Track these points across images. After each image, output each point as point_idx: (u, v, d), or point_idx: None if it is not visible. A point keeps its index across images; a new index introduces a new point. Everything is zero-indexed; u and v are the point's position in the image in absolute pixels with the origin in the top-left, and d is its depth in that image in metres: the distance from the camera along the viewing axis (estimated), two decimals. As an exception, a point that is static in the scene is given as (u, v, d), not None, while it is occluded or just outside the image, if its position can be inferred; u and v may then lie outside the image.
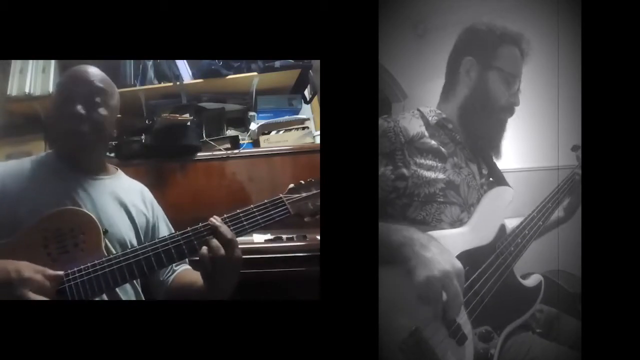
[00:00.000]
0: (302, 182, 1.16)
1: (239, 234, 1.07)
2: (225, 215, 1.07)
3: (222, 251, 1.01)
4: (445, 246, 0.94)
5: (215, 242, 1.02)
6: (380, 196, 1.05)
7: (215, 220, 1.05)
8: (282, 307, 0.99)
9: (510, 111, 1.15)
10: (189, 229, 1.05)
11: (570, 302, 1.47)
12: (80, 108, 1.17)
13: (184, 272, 1.26)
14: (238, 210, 1.09)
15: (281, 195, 1.13)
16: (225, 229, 1.03)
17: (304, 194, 1.14)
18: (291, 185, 1.16)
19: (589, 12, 0.97)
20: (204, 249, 1.01)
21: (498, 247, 1.05)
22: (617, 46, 0.96)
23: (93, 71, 1.22)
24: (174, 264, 1.24)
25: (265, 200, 1.11)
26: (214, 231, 1.03)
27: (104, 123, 1.21)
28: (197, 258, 1.02)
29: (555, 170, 1.67)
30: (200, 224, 1.05)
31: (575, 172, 1.25)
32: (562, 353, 1.00)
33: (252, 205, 1.10)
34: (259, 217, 1.09)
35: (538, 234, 1.12)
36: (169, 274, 1.25)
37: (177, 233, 1.05)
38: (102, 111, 1.20)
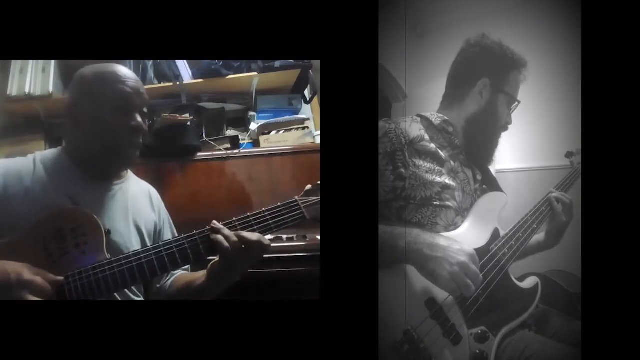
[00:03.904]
0: (318, 183, 1.08)
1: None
2: (234, 219, 1.04)
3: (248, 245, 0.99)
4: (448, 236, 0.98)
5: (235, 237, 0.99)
6: (379, 197, 1.06)
7: (215, 225, 1.01)
8: (282, 307, 0.99)
9: (505, 128, 1.21)
10: (195, 232, 1.02)
11: (570, 302, 1.47)
12: (141, 121, 1.13)
13: (180, 275, 1.22)
14: (248, 214, 1.05)
15: (296, 197, 1.08)
16: (227, 233, 1.00)
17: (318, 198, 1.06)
18: (308, 187, 1.10)
19: (588, 15, 0.97)
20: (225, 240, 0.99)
21: (492, 249, 1.06)
22: (617, 48, 0.96)
23: (134, 76, 1.15)
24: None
25: (279, 204, 1.07)
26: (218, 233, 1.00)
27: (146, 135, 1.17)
28: (201, 262, 1.01)
29: (553, 170, 1.67)
30: (206, 228, 1.02)
31: (567, 180, 1.27)
32: (560, 350, 1.00)
33: (264, 209, 1.06)
34: (270, 222, 1.04)
35: (530, 251, 1.16)
36: (167, 279, 1.22)
37: (183, 236, 1.02)
38: (147, 122, 1.16)
